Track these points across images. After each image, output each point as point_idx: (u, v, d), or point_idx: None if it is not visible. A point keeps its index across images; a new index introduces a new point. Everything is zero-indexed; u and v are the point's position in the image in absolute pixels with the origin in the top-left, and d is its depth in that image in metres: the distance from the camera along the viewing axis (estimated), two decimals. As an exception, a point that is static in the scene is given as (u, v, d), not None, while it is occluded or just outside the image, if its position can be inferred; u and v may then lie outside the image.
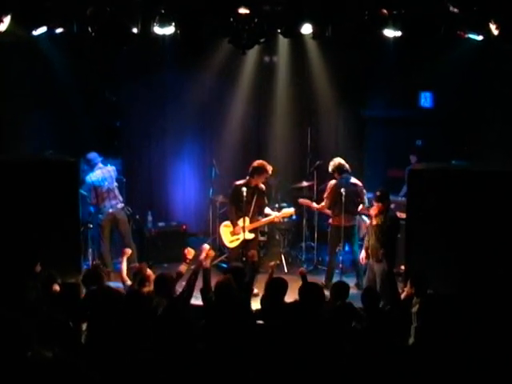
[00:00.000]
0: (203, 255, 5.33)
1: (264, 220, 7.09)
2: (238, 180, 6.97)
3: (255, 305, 5.24)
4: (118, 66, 8.20)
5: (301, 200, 7.60)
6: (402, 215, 6.60)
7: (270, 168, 6.87)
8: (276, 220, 7.17)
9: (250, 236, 6.92)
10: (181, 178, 9.06)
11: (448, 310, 4.86)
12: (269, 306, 5.00)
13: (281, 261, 7.89)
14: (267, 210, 7.18)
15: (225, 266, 7.24)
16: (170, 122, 8.88)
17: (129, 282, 5.40)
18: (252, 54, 8.19)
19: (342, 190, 6.74)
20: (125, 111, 8.72)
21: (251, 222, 6.91)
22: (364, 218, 7.23)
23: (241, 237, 6.88)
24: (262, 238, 8.08)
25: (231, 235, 6.94)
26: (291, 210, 7.33)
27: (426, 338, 4.77)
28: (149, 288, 5.19)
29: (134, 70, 8.36)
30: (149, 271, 5.32)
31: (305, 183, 8.25)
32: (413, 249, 6.00)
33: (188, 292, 4.99)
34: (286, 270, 7.76)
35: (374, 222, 6.34)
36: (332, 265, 7.09)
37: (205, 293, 5.01)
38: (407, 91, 8.66)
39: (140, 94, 8.61)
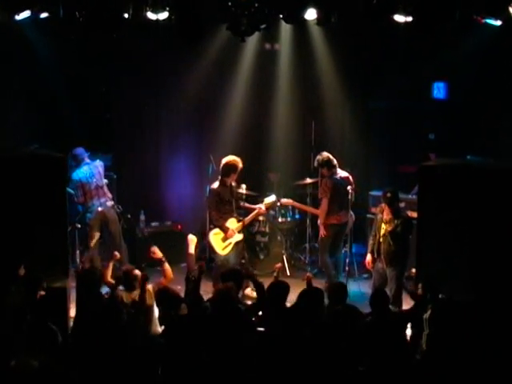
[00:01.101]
0: (191, 248, 5.29)
1: (250, 216, 7.14)
2: (214, 184, 6.98)
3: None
4: (107, 55, 8.17)
5: (283, 200, 7.65)
6: (413, 215, 6.59)
7: (241, 163, 6.90)
8: (261, 212, 7.22)
9: (240, 237, 6.99)
10: (176, 174, 9.04)
11: (463, 318, 4.86)
12: (269, 311, 5.00)
13: (283, 263, 7.88)
14: (245, 204, 7.29)
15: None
16: (165, 115, 8.86)
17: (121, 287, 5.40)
18: (252, 42, 8.17)
19: (339, 186, 6.91)
20: (115, 103, 8.70)
21: (237, 221, 7.00)
22: (352, 213, 7.29)
23: (233, 240, 6.92)
24: (262, 239, 8.08)
25: (223, 241, 6.93)
26: (273, 199, 7.34)
27: (437, 346, 4.78)
28: (138, 291, 5.22)
29: (125, 59, 8.33)
30: (137, 271, 5.34)
31: (309, 180, 8.23)
32: (424, 251, 5.98)
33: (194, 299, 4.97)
34: (288, 273, 7.77)
35: (389, 228, 6.33)
36: (327, 264, 7.14)
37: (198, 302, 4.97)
38: (419, 82, 8.62)
39: (132, 85, 8.58)
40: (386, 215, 6.36)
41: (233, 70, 8.72)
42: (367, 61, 8.51)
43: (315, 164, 7.23)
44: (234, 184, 7.07)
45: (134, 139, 8.80)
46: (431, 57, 8.06)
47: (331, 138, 8.93)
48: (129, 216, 7.99)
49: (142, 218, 8.36)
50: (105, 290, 5.48)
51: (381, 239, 6.37)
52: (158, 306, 5.14)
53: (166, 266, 5.61)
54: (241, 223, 7.01)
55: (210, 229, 7.08)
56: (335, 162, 7.13)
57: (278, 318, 4.79)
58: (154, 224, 8.46)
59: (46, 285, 5.16)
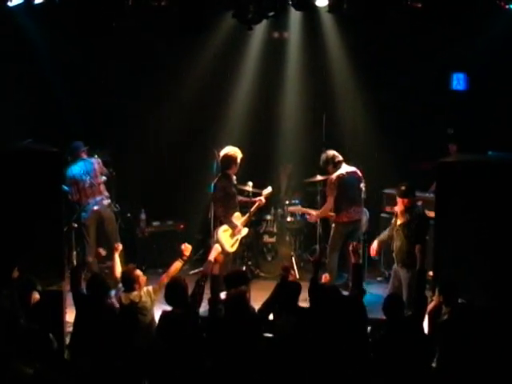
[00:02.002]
0: (212, 255, 5.37)
1: (254, 207, 7.21)
2: (217, 178, 7.04)
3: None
4: (105, 43, 8.17)
5: (291, 208, 7.76)
6: (431, 214, 6.56)
7: (240, 153, 6.97)
8: (262, 203, 7.26)
9: (246, 231, 7.09)
10: (179, 169, 9.04)
11: (483, 325, 4.83)
12: (278, 313, 5.01)
13: (291, 265, 7.87)
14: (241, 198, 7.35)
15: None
16: (167, 107, 8.85)
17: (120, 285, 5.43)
18: (259, 30, 8.16)
19: (347, 182, 6.92)
20: (114, 94, 8.69)
21: (241, 215, 7.10)
22: (365, 210, 7.33)
23: (239, 236, 7.01)
24: (270, 240, 8.09)
25: (231, 238, 6.98)
26: (269, 190, 7.37)
27: (454, 354, 4.75)
28: (139, 292, 5.24)
29: (125, 48, 8.33)
30: (138, 272, 5.36)
31: (319, 177, 8.21)
32: (442, 252, 5.93)
33: (194, 303, 5.00)
34: (297, 276, 7.76)
35: (400, 221, 6.32)
36: (334, 266, 7.17)
37: (213, 304, 4.99)
38: (437, 72, 8.57)
39: (132, 76, 8.59)
40: (399, 207, 6.31)
41: (239, 60, 8.72)
42: (381, 50, 8.46)
43: (320, 163, 7.28)
44: (234, 177, 7.12)
45: (133, 133, 8.79)
46: (450, 45, 8.02)
47: (342, 131, 8.92)
48: (128, 215, 7.99)
49: (143, 216, 8.36)
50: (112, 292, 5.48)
51: (395, 234, 6.36)
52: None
53: (179, 265, 5.57)
54: (246, 217, 7.08)
55: (217, 226, 7.09)
56: (340, 158, 7.17)
57: (290, 320, 4.79)
58: (155, 223, 8.47)
59: (41, 288, 5.16)
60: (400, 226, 6.32)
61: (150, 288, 5.35)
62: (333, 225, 7.29)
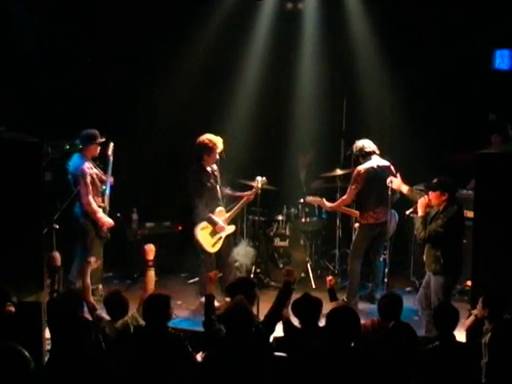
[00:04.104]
0: (150, 256, 5.54)
1: (239, 204, 7.32)
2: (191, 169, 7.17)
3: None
4: (96, 21, 8.19)
5: (309, 198, 7.72)
6: (469, 214, 6.51)
7: (218, 140, 7.04)
8: (251, 198, 7.33)
9: (231, 229, 7.20)
10: (176, 164, 9.02)
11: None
12: (295, 333, 4.99)
13: (307, 273, 7.84)
14: (228, 191, 7.54)
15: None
16: (164, 92, 8.86)
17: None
18: (270, 1, 8.18)
19: (376, 176, 6.93)
20: (105, 80, 8.70)
21: (226, 211, 7.25)
22: (395, 212, 7.33)
23: (223, 234, 7.16)
24: (282, 244, 8.08)
25: (212, 236, 7.12)
26: (264, 180, 7.43)
27: (500, 378, 4.69)
28: (123, 320, 5.19)
29: (117, 27, 8.33)
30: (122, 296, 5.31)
31: (339, 171, 8.20)
32: (483, 258, 5.90)
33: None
34: (313, 286, 7.74)
35: (433, 214, 6.30)
36: (355, 274, 7.17)
37: (209, 326, 4.96)
38: (477, 49, 8.51)
39: (125, 59, 8.61)
40: (433, 200, 6.27)
41: (246, 37, 8.74)
42: (411, 23, 8.43)
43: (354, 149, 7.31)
44: (215, 168, 7.22)
45: (126, 124, 8.78)
46: (494, 19, 7.96)
47: (366, 118, 8.90)
48: (118, 215, 7.98)
49: (135, 217, 8.39)
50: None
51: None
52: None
53: (151, 273, 5.59)
54: (231, 213, 7.25)
55: (196, 223, 7.17)
56: (371, 148, 7.19)
57: (310, 340, 4.76)
58: (148, 224, 8.50)
59: (16, 299, 5.14)
60: (431, 223, 6.27)
61: (135, 312, 5.29)
62: (355, 225, 7.29)
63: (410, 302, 7.09)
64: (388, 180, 6.85)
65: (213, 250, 7.15)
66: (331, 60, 8.87)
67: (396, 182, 6.81)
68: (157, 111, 8.95)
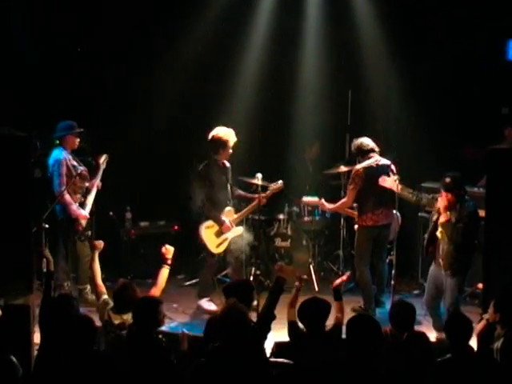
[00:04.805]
0: (168, 255, 5.54)
1: (250, 206, 7.28)
2: (202, 164, 7.18)
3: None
4: (90, 10, 8.21)
5: (306, 199, 7.70)
6: (481, 213, 6.50)
7: (231, 134, 7.06)
8: (263, 202, 7.24)
9: (239, 231, 7.18)
10: (172, 160, 9.02)
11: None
12: (301, 337, 4.99)
13: (309, 275, 7.84)
14: (241, 192, 7.49)
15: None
16: (159, 85, 8.90)
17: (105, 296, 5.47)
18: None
19: (376, 176, 6.85)
20: (97, 72, 8.70)
21: (235, 212, 7.22)
22: (398, 214, 7.30)
23: (229, 235, 7.11)
24: (283, 244, 8.07)
25: (217, 237, 7.12)
26: (279, 183, 7.42)
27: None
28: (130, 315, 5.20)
29: (112, 17, 8.35)
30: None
31: (343, 168, 8.19)
32: (495, 260, 5.88)
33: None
34: (316, 289, 7.73)
35: (443, 219, 6.28)
36: (366, 280, 7.13)
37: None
38: (490, 39, 8.49)
39: (118, 49, 8.61)
40: (442, 203, 6.27)
41: (246, 23, 8.74)
42: (419, 12, 8.41)
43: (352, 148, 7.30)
44: (228, 165, 7.22)
45: (119, 113, 8.79)
46: (506, 6, 7.94)
47: (372, 113, 8.87)
48: (111, 213, 7.98)
49: (128, 216, 8.39)
50: None
51: (438, 235, 6.34)
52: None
53: (165, 271, 5.62)
54: (240, 214, 7.22)
55: (201, 222, 7.16)
56: (371, 145, 7.14)
57: (317, 347, 4.75)
58: (143, 224, 8.50)
59: (4, 302, 5.13)
60: (444, 224, 6.27)
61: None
62: (355, 227, 7.28)
63: (417, 306, 7.08)
64: (380, 179, 6.85)
65: (217, 250, 7.14)
66: (336, 50, 8.88)
67: (389, 182, 6.79)
68: (152, 109, 8.99)
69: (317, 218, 8.29)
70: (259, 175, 7.45)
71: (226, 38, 8.80)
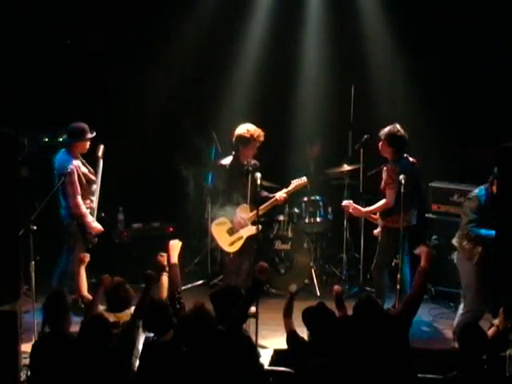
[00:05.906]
0: (173, 257, 5.60)
1: (267, 203, 7.16)
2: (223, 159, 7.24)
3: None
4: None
5: (346, 203, 7.32)
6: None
7: (258, 133, 7.02)
8: (281, 200, 7.20)
9: (253, 230, 7.03)
10: (166, 159, 9.01)
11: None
12: (301, 346, 4.99)
13: (311, 279, 7.83)
14: (267, 194, 7.34)
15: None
16: (154, 77, 8.92)
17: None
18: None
19: (402, 176, 6.75)
20: (91, 66, 8.75)
21: (251, 210, 7.14)
22: None
23: (244, 233, 7.05)
24: (283, 247, 8.06)
25: (230, 234, 7.08)
26: (303, 180, 7.31)
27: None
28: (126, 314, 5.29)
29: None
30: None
31: (346, 167, 8.19)
32: (505, 266, 5.87)
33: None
34: (318, 293, 7.73)
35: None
36: (383, 283, 7.13)
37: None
38: (505, 27, 8.38)
39: (113, 42, 8.67)
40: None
41: (244, 15, 8.75)
42: (425, 3, 8.41)
43: (382, 134, 6.96)
44: (253, 163, 7.15)
45: (113, 113, 8.81)
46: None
47: (377, 109, 8.86)
48: (103, 215, 7.96)
49: (121, 217, 8.42)
50: None
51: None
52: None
53: (165, 280, 5.67)
54: (254, 213, 7.04)
55: (212, 219, 7.19)
56: (405, 138, 6.97)
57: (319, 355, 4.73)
58: (136, 225, 8.53)
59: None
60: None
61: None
62: (376, 230, 7.16)
63: (423, 312, 7.10)
64: (344, 202, 7.07)
65: (230, 249, 7.10)
66: (338, 42, 8.85)
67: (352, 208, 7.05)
68: (146, 107, 9.00)
69: (319, 219, 8.28)
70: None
71: (225, 31, 8.81)
